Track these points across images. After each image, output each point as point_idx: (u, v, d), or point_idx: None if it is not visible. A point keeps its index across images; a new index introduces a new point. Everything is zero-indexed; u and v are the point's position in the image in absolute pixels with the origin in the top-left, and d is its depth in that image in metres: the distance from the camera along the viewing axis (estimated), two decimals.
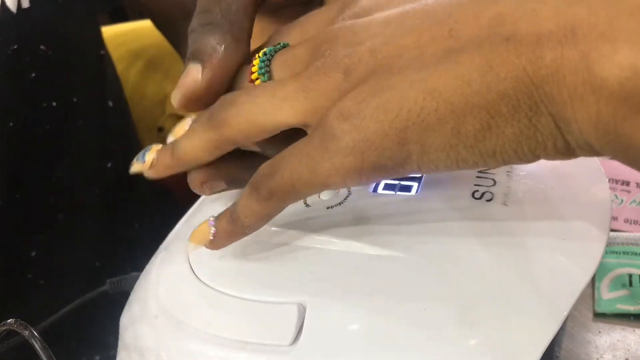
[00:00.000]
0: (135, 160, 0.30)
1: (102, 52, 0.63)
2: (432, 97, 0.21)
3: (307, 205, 0.30)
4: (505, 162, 0.21)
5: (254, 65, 0.27)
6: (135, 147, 0.67)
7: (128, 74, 0.76)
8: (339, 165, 0.23)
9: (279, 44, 0.28)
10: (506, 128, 0.20)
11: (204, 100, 0.28)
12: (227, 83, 0.29)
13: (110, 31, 0.81)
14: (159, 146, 0.30)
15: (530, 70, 0.19)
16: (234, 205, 0.27)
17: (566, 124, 0.20)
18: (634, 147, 0.18)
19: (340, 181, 0.23)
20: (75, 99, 0.52)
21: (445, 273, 0.25)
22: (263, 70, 0.27)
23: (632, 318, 0.36)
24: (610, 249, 0.39)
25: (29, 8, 0.49)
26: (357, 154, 0.22)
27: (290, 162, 0.24)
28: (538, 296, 0.24)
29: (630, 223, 0.41)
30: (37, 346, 0.30)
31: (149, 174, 0.30)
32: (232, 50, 0.28)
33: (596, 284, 0.38)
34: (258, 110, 0.25)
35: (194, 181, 0.29)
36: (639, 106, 0.18)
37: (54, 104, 0.50)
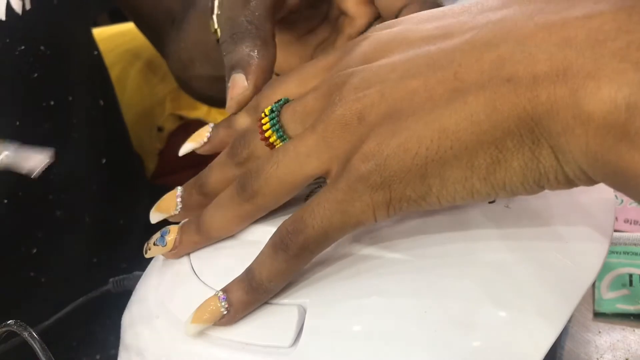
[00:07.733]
0: (152, 244, 0.30)
1: (95, 52, 0.63)
2: (447, 136, 0.22)
3: None
4: (514, 194, 0.23)
5: (264, 124, 0.28)
6: (127, 145, 0.67)
7: (128, 74, 0.76)
8: (369, 202, 0.24)
9: (281, 100, 0.29)
10: (513, 161, 0.22)
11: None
12: (268, 81, 0.32)
13: (109, 31, 0.81)
14: (176, 227, 0.30)
15: (529, 108, 0.21)
16: (250, 272, 0.26)
17: (563, 155, 0.21)
18: (619, 173, 0.20)
19: (371, 217, 0.25)
20: (70, 98, 0.53)
21: (447, 275, 0.25)
22: (276, 127, 0.28)
23: (632, 318, 0.36)
24: (611, 248, 0.39)
25: (30, 9, 0.50)
26: (385, 188, 0.24)
27: (319, 212, 0.25)
28: (540, 298, 0.24)
29: (631, 223, 0.41)
30: (36, 347, 0.30)
31: (171, 256, 0.31)
32: (264, 53, 0.32)
33: (596, 284, 0.38)
34: (285, 171, 0.26)
35: None
36: (620, 136, 0.20)
37: (52, 103, 0.51)
